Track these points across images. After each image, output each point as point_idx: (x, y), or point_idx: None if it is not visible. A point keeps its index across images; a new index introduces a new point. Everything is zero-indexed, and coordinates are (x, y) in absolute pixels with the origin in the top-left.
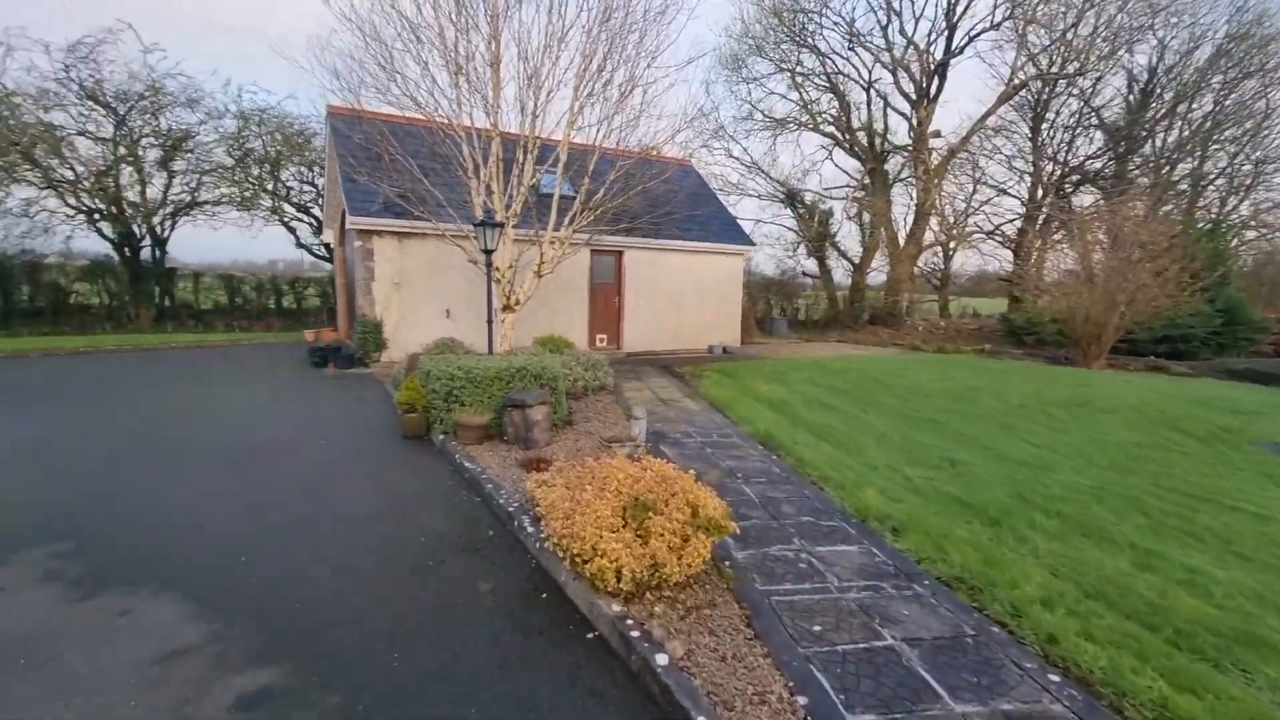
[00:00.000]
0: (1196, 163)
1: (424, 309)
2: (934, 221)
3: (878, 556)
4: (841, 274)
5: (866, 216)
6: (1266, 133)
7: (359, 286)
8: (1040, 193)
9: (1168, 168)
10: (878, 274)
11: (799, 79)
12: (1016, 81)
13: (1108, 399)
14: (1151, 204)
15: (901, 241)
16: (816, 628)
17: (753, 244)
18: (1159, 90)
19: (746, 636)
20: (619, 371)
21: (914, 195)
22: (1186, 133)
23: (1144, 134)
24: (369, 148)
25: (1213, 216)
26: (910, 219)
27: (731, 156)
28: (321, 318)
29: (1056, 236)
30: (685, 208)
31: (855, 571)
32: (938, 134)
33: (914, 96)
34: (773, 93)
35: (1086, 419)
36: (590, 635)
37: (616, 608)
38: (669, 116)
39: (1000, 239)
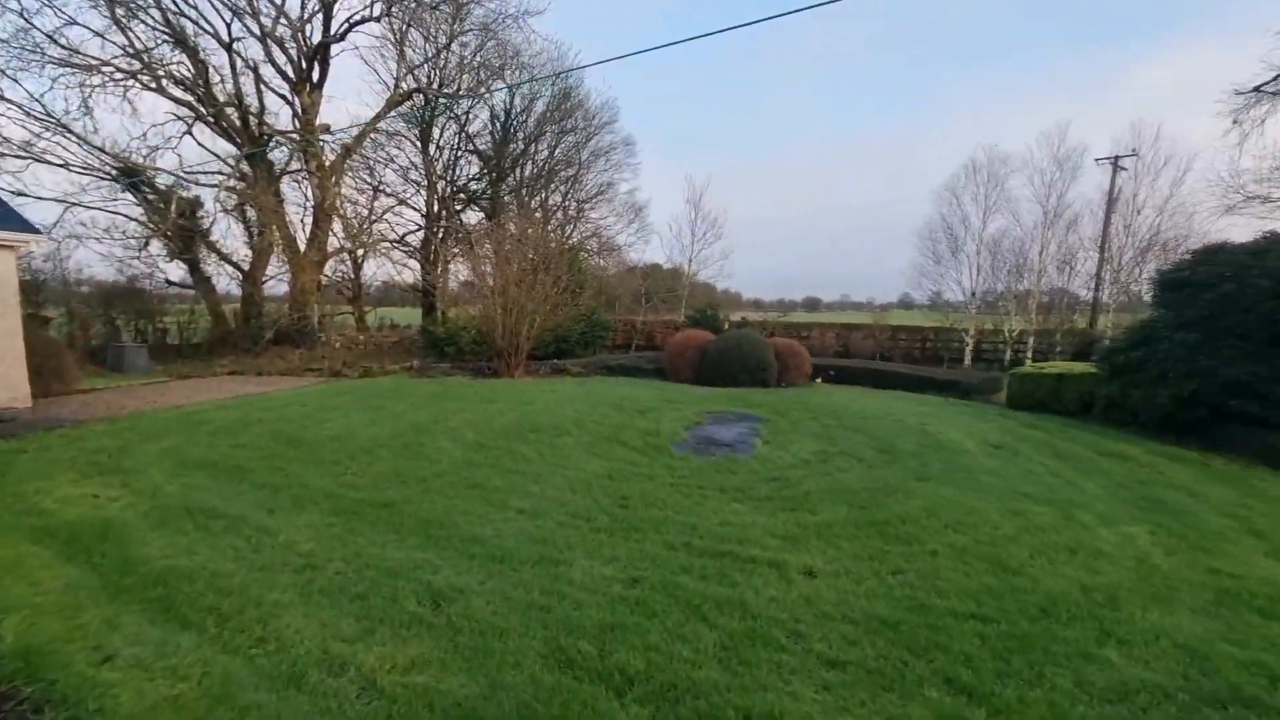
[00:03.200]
0: (545, 195)
1: None
2: (337, 225)
3: None
4: (228, 283)
5: (252, 213)
6: (583, 180)
7: None
8: (436, 207)
9: (528, 197)
10: (279, 283)
11: (122, 10)
12: (401, 91)
13: (550, 418)
14: (521, 226)
15: (303, 246)
16: None
17: (35, 230)
18: (515, 129)
19: None
20: None
21: (310, 193)
22: (535, 170)
23: (509, 165)
24: None
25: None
26: (310, 221)
27: (4, 99)
28: None
29: (456, 250)
30: None
31: None
32: (328, 129)
33: (294, 78)
34: (75, 21)
35: (549, 450)
36: None
37: None
38: None
39: (406, 249)
